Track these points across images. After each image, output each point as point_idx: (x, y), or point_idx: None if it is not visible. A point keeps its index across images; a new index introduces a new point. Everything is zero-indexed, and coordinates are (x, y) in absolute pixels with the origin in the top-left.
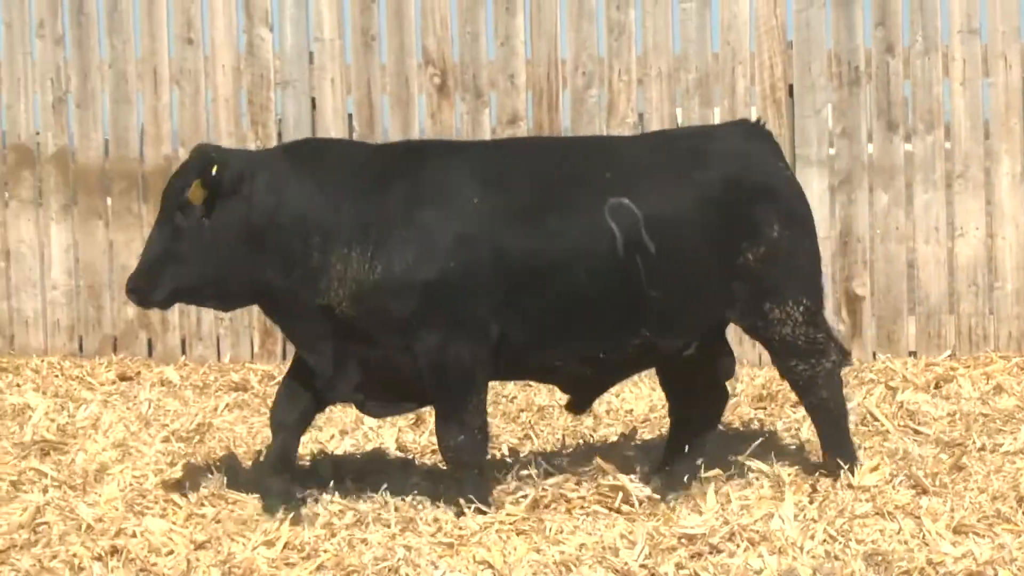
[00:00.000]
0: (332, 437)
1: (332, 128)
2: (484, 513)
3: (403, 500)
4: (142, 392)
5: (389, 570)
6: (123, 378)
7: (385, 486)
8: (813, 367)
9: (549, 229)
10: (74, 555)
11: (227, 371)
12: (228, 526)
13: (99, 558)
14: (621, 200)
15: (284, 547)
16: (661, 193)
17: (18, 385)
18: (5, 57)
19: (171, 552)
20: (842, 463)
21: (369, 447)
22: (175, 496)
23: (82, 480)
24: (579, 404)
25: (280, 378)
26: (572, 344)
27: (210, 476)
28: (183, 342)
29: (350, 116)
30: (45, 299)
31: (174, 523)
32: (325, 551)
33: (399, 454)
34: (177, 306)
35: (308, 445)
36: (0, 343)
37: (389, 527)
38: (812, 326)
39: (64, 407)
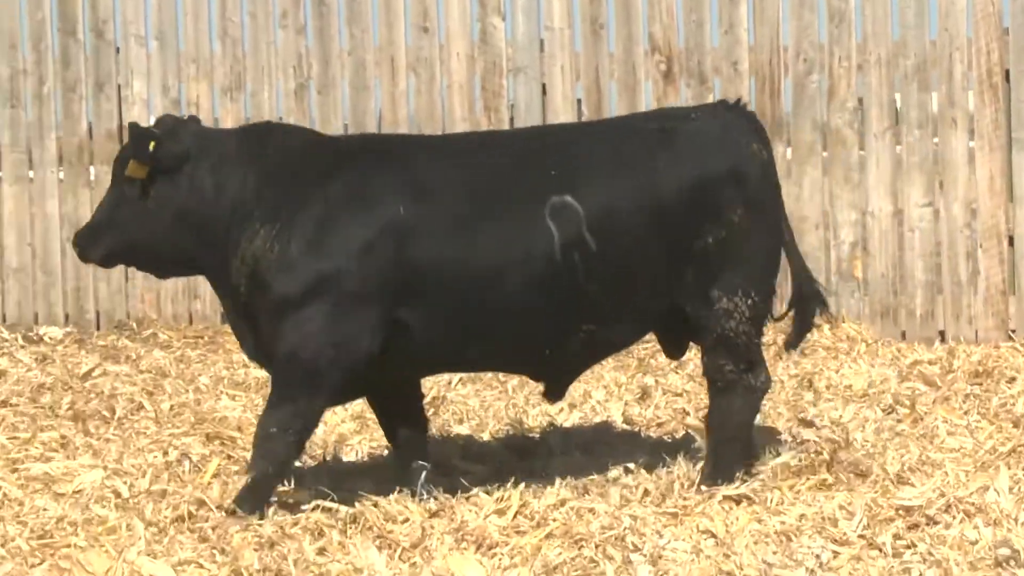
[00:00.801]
0: (561, 410)
1: (562, 113)
2: (236, 515)
3: (627, 471)
4: None
5: (616, 539)
6: None
7: (610, 458)
8: (741, 373)
9: (481, 234)
10: (315, 522)
11: None
12: (459, 495)
13: (337, 526)
14: (564, 198)
15: (515, 515)
16: (610, 185)
17: None
18: (250, 46)
19: (406, 520)
20: (715, 479)
21: (596, 419)
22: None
23: (322, 451)
24: (552, 392)
25: None
26: (506, 343)
27: (444, 447)
28: None
29: (579, 102)
30: None
31: (410, 492)
32: (554, 520)
33: (625, 427)
34: None
35: (537, 418)
36: None
37: (614, 498)
38: (755, 328)
39: None
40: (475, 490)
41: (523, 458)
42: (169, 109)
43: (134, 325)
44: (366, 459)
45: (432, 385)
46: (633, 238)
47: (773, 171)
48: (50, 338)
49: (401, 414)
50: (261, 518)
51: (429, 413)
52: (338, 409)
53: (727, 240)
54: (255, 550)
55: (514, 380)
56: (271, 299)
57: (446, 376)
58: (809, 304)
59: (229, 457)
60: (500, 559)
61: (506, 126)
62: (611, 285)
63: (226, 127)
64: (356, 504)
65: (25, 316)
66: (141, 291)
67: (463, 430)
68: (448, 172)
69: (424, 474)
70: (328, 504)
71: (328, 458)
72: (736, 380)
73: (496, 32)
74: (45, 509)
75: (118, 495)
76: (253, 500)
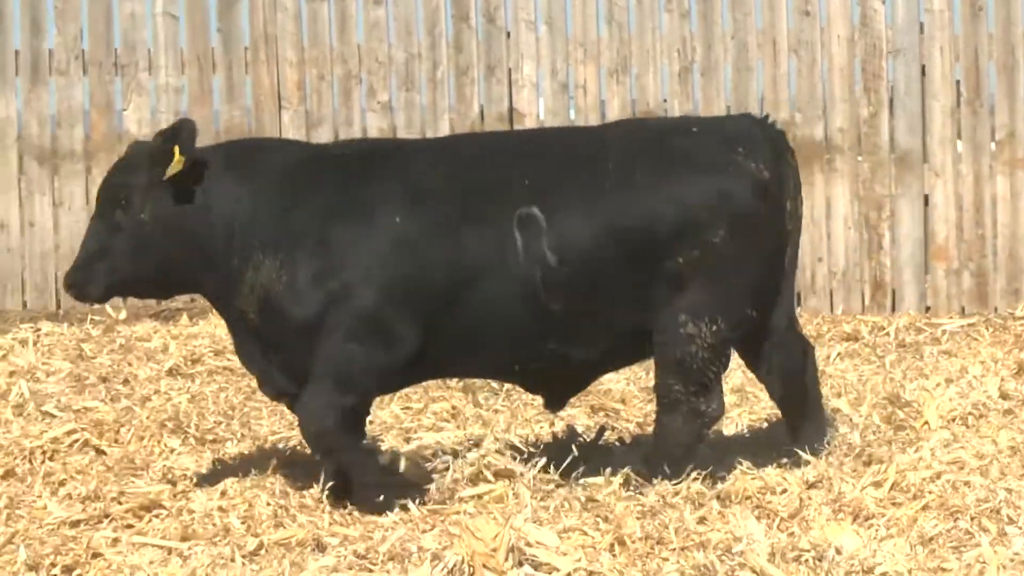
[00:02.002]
0: (937, 385)
1: (940, 95)
2: (371, 503)
3: (996, 445)
4: None
5: (991, 511)
6: None
7: (984, 433)
8: (688, 396)
9: (462, 243)
10: (696, 492)
11: (839, 322)
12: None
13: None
14: (530, 209)
15: (891, 487)
16: (578, 199)
17: None
18: (636, 30)
19: (784, 491)
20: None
21: (973, 394)
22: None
23: None
24: (552, 403)
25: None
26: (480, 359)
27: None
28: (798, 295)
29: (957, 83)
30: None
31: (788, 464)
32: (930, 492)
33: (1001, 401)
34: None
35: (914, 392)
36: None
37: (993, 472)
38: (715, 353)
39: None
40: (847, 460)
41: (897, 431)
42: (557, 92)
43: None
44: (746, 432)
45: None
46: (597, 254)
47: (779, 191)
48: None
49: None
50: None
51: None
52: None
53: (702, 262)
54: (637, 518)
55: (892, 354)
56: (291, 327)
57: (824, 351)
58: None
59: (612, 428)
60: (876, 530)
61: (885, 108)
62: (573, 301)
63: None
64: (735, 475)
65: None
66: None
67: (842, 404)
68: (437, 177)
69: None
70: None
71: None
72: (681, 402)
73: (876, 15)
74: (434, 477)
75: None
76: (368, 484)
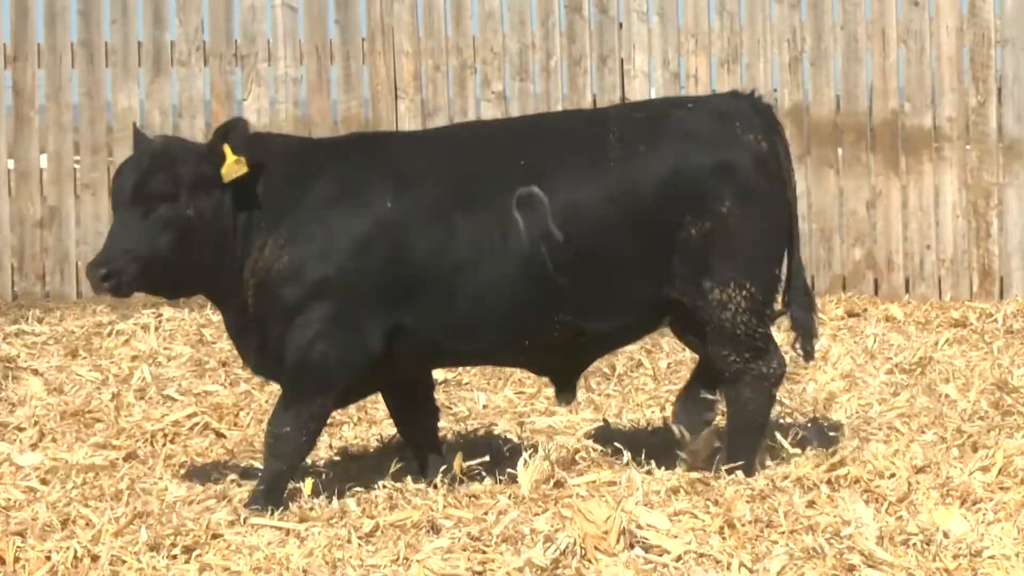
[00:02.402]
0: None
1: None
2: (256, 512)
3: None
4: (868, 327)
5: None
6: (851, 314)
7: None
8: (746, 363)
9: (459, 225)
10: (804, 476)
11: (947, 308)
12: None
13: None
14: (531, 188)
15: (999, 473)
16: (580, 176)
17: None
18: (746, 20)
19: (893, 475)
20: (734, 468)
21: None
22: (898, 423)
23: (812, 408)
24: (563, 393)
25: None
26: (487, 336)
27: (932, 405)
28: (906, 282)
29: None
30: None
31: (896, 449)
32: None
33: None
34: (902, 247)
35: (1022, 378)
36: None
37: None
38: (755, 316)
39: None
40: (955, 446)
41: (1005, 416)
42: (669, 81)
43: None
44: (855, 415)
45: (919, 346)
46: (603, 229)
47: (777, 163)
48: None
49: (410, 411)
50: (274, 515)
51: (916, 373)
52: (828, 369)
53: (714, 231)
54: (747, 502)
55: (999, 340)
56: (277, 310)
57: (932, 337)
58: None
59: (723, 413)
60: (984, 514)
61: (993, 97)
62: (583, 276)
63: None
64: (844, 459)
65: None
66: None
67: (950, 390)
68: (429, 165)
69: (442, 467)
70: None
71: (817, 415)
72: (743, 369)
73: (985, 5)
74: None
75: (616, 449)
76: (267, 499)
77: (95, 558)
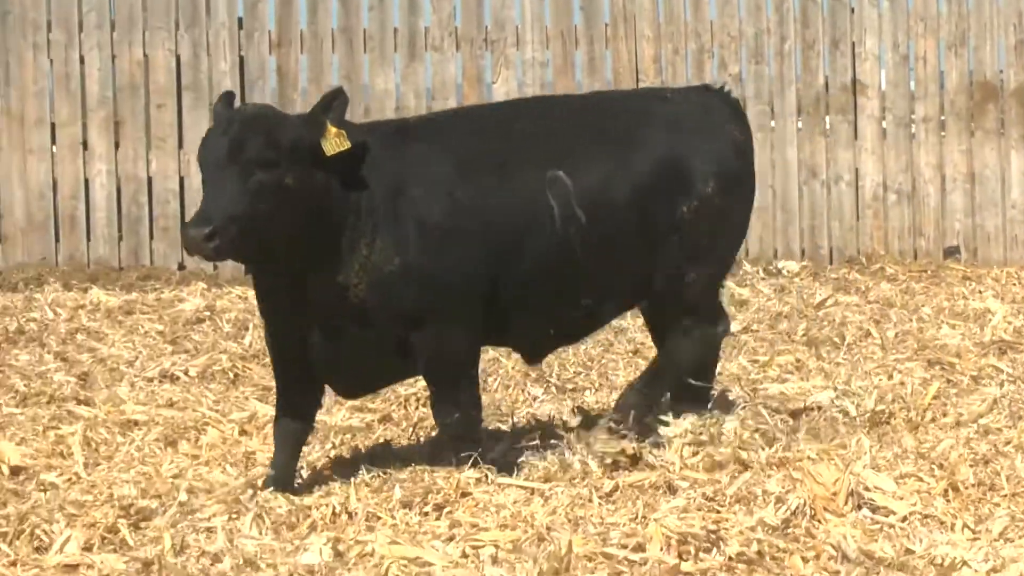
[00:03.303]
0: None
1: None
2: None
3: None
4: None
5: None
6: None
7: None
8: (703, 329)
9: (516, 207)
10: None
11: None
12: None
13: None
14: (557, 173)
15: None
16: (597, 160)
17: (980, 292)
18: (973, 5)
19: None
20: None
21: None
22: None
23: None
24: (533, 357)
25: None
26: (533, 321)
27: None
28: None
29: None
30: (1005, 217)
31: None
32: None
33: None
34: None
35: None
36: (966, 255)
37: None
38: (715, 292)
39: (1020, 311)
40: None
41: None
42: (898, 64)
43: (863, 260)
44: None
45: None
46: (620, 213)
47: (749, 153)
48: (787, 271)
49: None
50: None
51: None
52: None
53: (700, 216)
54: (970, 466)
55: None
56: (401, 306)
57: None
58: None
59: (948, 381)
60: None
61: None
62: (603, 259)
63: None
64: None
65: (766, 251)
66: (871, 228)
67: None
68: (483, 146)
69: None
70: None
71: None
72: (692, 328)
73: None
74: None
75: (846, 414)
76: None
77: (351, 514)
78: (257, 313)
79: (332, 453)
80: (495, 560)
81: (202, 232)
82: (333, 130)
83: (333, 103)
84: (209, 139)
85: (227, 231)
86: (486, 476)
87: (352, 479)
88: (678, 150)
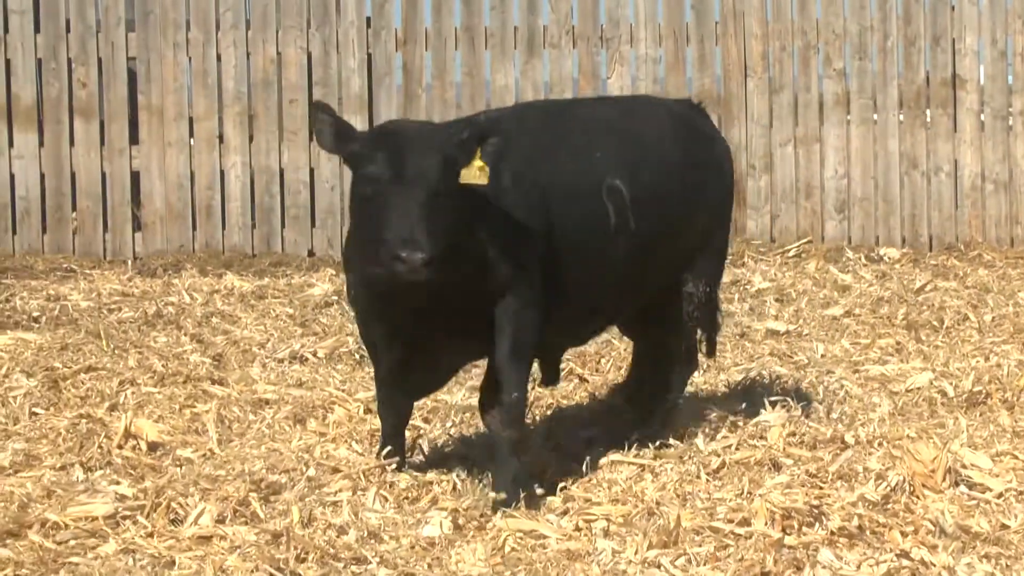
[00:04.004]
0: None
1: None
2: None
3: None
4: None
5: None
6: None
7: None
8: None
9: (579, 204)
10: None
11: None
12: None
13: None
14: (615, 181)
15: None
16: (641, 169)
17: None
18: None
19: None
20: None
21: None
22: None
23: None
24: (551, 377)
25: None
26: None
27: None
28: None
29: None
30: None
31: None
32: None
33: None
34: None
35: None
36: None
37: None
38: (704, 316)
39: None
40: None
41: None
42: (996, 59)
43: (962, 247)
44: None
45: None
46: (662, 218)
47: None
48: (888, 258)
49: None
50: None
51: None
52: None
53: (709, 226)
54: None
55: None
56: (493, 287)
57: None
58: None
59: None
60: None
61: None
62: (649, 265)
63: None
64: None
65: (868, 239)
66: (969, 217)
67: None
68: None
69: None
70: None
71: None
72: (691, 348)
73: None
74: (879, 405)
75: (944, 394)
76: (519, 477)
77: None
78: (359, 306)
79: (452, 431)
80: (607, 533)
81: (421, 258)
82: (478, 163)
83: (489, 140)
84: (387, 156)
85: (440, 256)
86: (593, 453)
87: (470, 455)
88: (702, 157)
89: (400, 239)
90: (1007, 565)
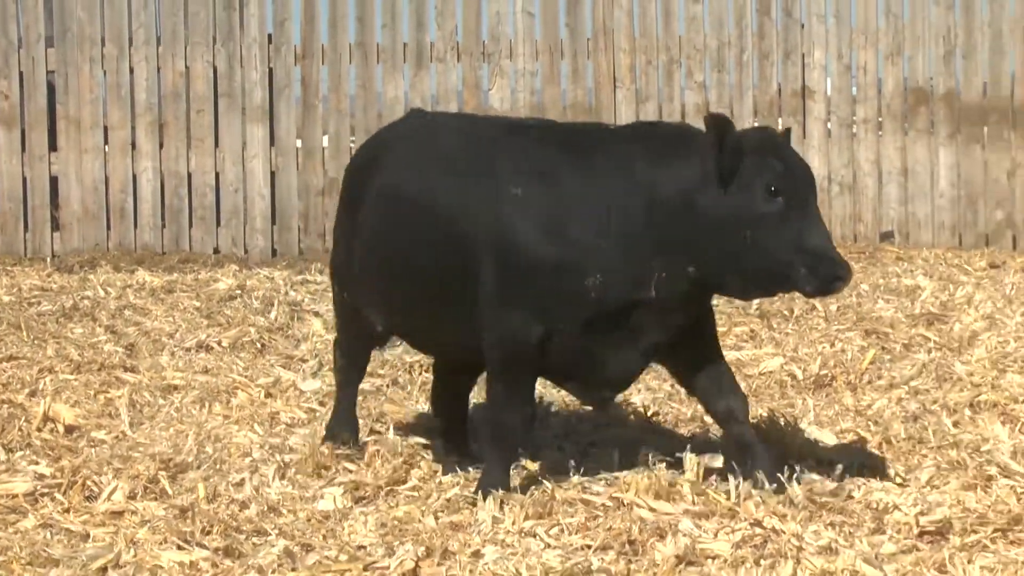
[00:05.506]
0: None
1: None
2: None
3: None
4: (1007, 277)
5: None
6: (992, 266)
7: None
8: None
9: None
10: (954, 402)
11: None
12: None
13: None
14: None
15: None
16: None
17: (911, 271)
18: (908, 20)
19: None
20: None
21: None
22: None
23: (957, 344)
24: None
25: None
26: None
27: None
28: None
29: None
30: (933, 205)
31: None
32: None
33: None
34: None
35: None
36: (899, 239)
37: None
38: None
39: (946, 287)
40: None
41: None
42: (842, 72)
43: None
44: (994, 351)
45: None
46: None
47: None
48: None
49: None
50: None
51: None
52: (971, 311)
53: None
54: (901, 422)
55: None
56: None
57: None
58: None
59: (883, 348)
60: None
61: None
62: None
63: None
64: (984, 389)
65: None
66: None
67: None
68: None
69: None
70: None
71: (962, 350)
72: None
73: None
74: None
75: (793, 377)
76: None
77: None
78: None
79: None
80: (487, 506)
81: (848, 276)
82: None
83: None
84: (804, 169)
85: None
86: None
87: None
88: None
89: (838, 258)
90: (850, 532)
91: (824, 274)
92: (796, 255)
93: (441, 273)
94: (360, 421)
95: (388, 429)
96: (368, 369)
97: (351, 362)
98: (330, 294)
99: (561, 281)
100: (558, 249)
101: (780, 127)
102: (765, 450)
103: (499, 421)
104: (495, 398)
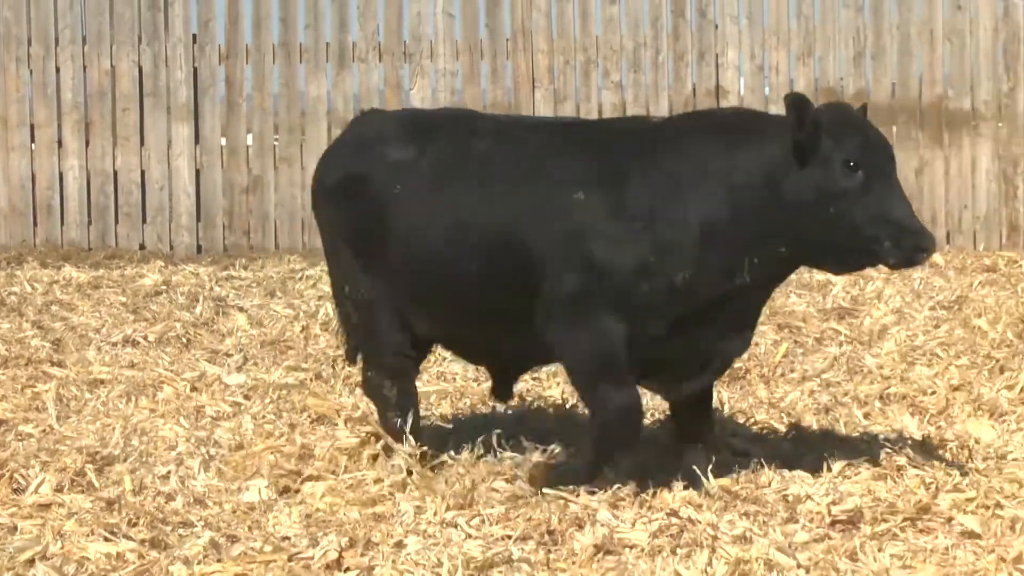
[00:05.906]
0: None
1: None
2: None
3: None
4: (915, 272)
5: None
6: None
7: None
8: None
9: None
10: (864, 395)
11: (981, 257)
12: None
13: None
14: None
15: (1021, 390)
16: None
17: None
18: (819, 22)
19: (933, 393)
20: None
21: None
22: (938, 351)
23: (868, 337)
24: (504, 391)
25: None
26: None
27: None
28: (947, 235)
29: None
30: None
31: (936, 371)
32: None
33: None
34: (944, 207)
35: None
36: None
37: None
38: None
39: (856, 283)
40: (986, 368)
41: None
42: (755, 72)
43: None
44: (903, 344)
45: (957, 287)
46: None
47: None
48: None
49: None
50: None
51: (954, 309)
52: (880, 306)
53: None
54: (814, 414)
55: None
56: None
57: (967, 280)
58: None
59: (795, 342)
60: (1008, 424)
61: (1022, 84)
62: None
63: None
64: (894, 382)
65: None
66: None
67: (982, 323)
68: None
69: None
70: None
71: (872, 344)
72: None
73: (1016, 10)
74: None
75: None
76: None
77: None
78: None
79: (271, 407)
80: (410, 496)
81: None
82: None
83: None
84: (872, 142)
85: None
86: None
87: (295, 429)
88: None
89: (922, 229)
90: (763, 521)
91: (908, 245)
92: (880, 228)
93: (491, 282)
94: (284, 415)
95: (312, 422)
96: (291, 364)
97: (401, 388)
98: (254, 289)
99: (649, 283)
100: (642, 250)
101: None
102: (703, 450)
103: (602, 423)
104: (591, 406)
